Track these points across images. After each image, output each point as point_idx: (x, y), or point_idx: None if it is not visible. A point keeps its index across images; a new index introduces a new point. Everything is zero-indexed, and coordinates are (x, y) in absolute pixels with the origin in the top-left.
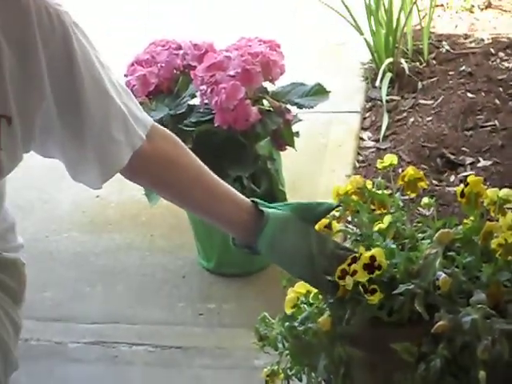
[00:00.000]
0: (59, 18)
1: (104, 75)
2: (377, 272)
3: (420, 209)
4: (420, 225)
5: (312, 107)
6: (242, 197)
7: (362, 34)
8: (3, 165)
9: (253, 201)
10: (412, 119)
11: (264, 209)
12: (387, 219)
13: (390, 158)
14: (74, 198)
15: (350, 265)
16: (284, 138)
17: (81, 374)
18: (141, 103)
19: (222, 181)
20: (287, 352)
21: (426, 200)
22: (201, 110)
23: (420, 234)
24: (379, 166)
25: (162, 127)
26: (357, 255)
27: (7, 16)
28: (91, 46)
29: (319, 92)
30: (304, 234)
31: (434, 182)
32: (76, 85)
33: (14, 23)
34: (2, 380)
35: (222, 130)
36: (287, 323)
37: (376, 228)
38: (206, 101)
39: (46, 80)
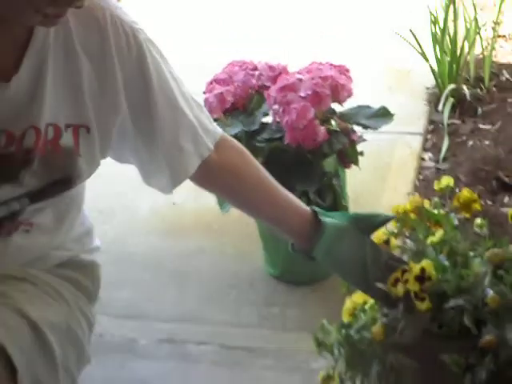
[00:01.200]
0: (135, 36)
1: (176, 90)
2: (427, 283)
3: (475, 228)
4: (473, 244)
5: (376, 128)
6: (303, 206)
7: (427, 60)
8: (82, 170)
9: (313, 210)
10: (471, 142)
11: (322, 218)
12: (439, 233)
13: (447, 180)
14: (152, 205)
15: (402, 274)
16: (349, 156)
17: (150, 369)
18: (217, 119)
19: (285, 190)
20: (343, 358)
21: (478, 221)
22: (273, 128)
23: (472, 253)
24: (436, 187)
25: (231, 138)
26: (407, 267)
27: (87, 34)
28: (164, 62)
29: (384, 114)
30: (359, 244)
31: (488, 202)
32: (150, 102)
33: (93, 42)
34: (75, 373)
35: (292, 147)
36: (344, 331)
37: (429, 241)
38: (278, 119)
39: (122, 97)
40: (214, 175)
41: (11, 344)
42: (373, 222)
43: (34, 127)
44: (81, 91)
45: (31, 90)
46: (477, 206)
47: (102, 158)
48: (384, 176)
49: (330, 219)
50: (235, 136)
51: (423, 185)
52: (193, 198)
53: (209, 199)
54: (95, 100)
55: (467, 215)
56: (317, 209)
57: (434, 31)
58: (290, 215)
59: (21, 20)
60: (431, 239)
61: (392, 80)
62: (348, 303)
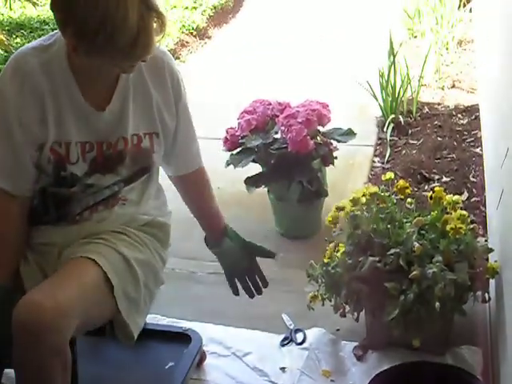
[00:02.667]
0: (178, 75)
1: (191, 118)
2: None
3: (406, 205)
4: (405, 214)
5: (345, 142)
6: (223, 221)
7: (376, 99)
8: (155, 161)
9: (226, 225)
10: (404, 151)
11: (230, 230)
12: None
13: (389, 175)
14: None
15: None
16: (328, 159)
17: (203, 290)
18: (245, 136)
19: (217, 209)
20: (323, 285)
21: (409, 200)
22: (281, 141)
23: (405, 220)
24: (383, 178)
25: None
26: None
27: (152, 74)
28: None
29: (350, 133)
30: (239, 256)
31: (415, 189)
32: (179, 121)
33: (156, 78)
34: (153, 290)
35: (293, 153)
36: (324, 268)
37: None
38: (284, 136)
39: (174, 112)
40: (187, 182)
41: (110, 270)
42: (255, 248)
43: (124, 137)
44: (152, 110)
45: (119, 114)
46: (408, 191)
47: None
48: (349, 172)
49: (234, 234)
50: (257, 146)
51: (374, 178)
52: (230, 185)
53: (240, 185)
54: (160, 115)
55: (402, 196)
56: (228, 226)
57: (381, 81)
58: (213, 220)
59: (108, 73)
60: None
61: (355, 111)
62: (328, 251)
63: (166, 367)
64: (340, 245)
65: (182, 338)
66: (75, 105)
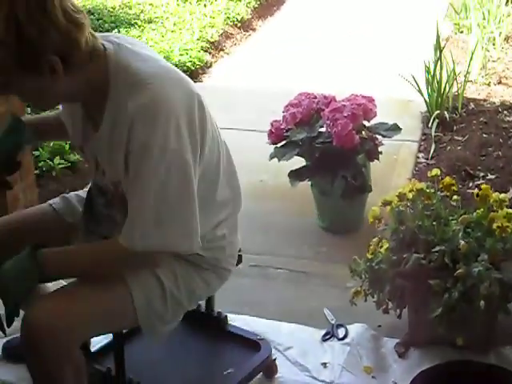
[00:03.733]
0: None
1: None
2: None
3: (452, 202)
4: (451, 211)
5: (390, 137)
6: None
7: (422, 95)
8: None
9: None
10: (449, 148)
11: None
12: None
13: (435, 171)
14: (248, 180)
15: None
16: (373, 154)
17: (245, 283)
18: (290, 129)
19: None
20: (367, 280)
21: (455, 197)
22: (325, 135)
23: (450, 217)
24: (429, 175)
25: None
26: None
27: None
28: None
29: (395, 128)
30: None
31: (459, 186)
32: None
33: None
34: (186, 305)
35: (337, 147)
36: (368, 263)
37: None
38: (329, 130)
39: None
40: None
41: (135, 284)
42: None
43: None
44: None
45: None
46: (454, 188)
47: None
48: (393, 167)
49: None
50: (301, 140)
51: (417, 174)
52: (273, 177)
53: (283, 178)
54: None
55: (447, 193)
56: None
57: (427, 76)
58: None
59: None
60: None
61: (400, 106)
62: (371, 246)
63: (225, 372)
64: (384, 240)
65: (252, 345)
66: None
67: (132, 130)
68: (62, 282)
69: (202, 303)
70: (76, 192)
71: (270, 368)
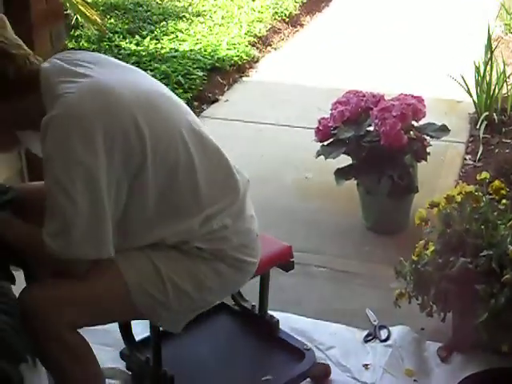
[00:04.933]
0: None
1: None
2: None
3: (500, 206)
4: (499, 215)
5: (438, 138)
6: None
7: (471, 96)
8: None
9: None
10: (497, 150)
11: None
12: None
13: (485, 174)
14: (293, 177)
15: None
16: (420, 154)
17: (287, 281)
18: (337, 127)
19: None
20: (412, 282)
21: (504, 201)
22: (373, 134)
23: (499, 221)
24: (478, 178)
25: None
26: None
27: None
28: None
29: (443, 129)
30: None
31: (507, 189)
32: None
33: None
34: (193, 295)
35: (385, 147)
36: (413, 265)
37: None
38: (377, 129)
39: None
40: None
41: (129, 271)
42: None
43: None
44: None
45: None
46: (503, 192)
47: None
48: (440, 168)
49: None
50: (348, 138)
51: (464, 176)
52: (318, 175)
53: (329, 176)
54: None
55: (496, 197)
56: None
57: (476, 77)
58: None
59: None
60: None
61: (448, 107)
62: (417, 248)
63: (263, 378)
64: (430, 243)
65: (296, 354)
66: None
67: (43, 142)
68: None
69: (256, 304)
70: None
71: (321, 375)
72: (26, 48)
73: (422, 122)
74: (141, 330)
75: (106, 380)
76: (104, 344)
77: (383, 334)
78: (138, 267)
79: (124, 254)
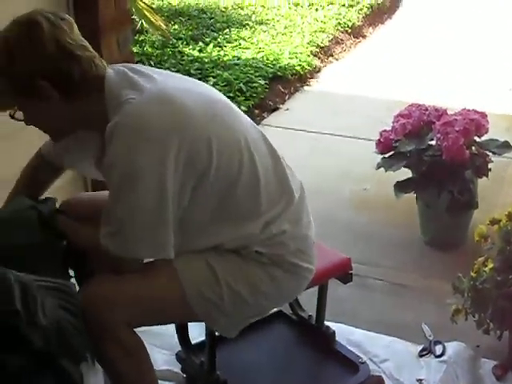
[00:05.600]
0: None
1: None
2: None
3: None
4: None
5: (500, 154)
6: None
7: None
8: None
9: None
10: None
11: None
12: None
13: None
14: (351, 189)
15: None
16: (482, 170)
17: (345, 292)
18: (399, 140)
19: None
20: (469, 299)
21: None
22: (435, 148)
23: None
24: None
25: None
26: None
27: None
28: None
29: (506, 146)
30: None
31: None
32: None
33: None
34: (247, 298)
35: (446, 161)
36: (472, 282)
37: None
38: (439, 143)
39: None
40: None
41: (185, 273)
42: None
43: None
44: None
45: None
46: None
47: None
48: (501, 185)
49: None
50: (410, 151)
51: None
52: (376, 187)
53: (387, 189)
54: None
55: None
56: None
57: None
58: None
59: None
60: None
61: (509, 123)
62: (476, 265)
63: None
64: (489, 260)
65: (351, 367)
66: None
67: (108, 147)
68: None
69: (313, 314)
70: None
71: None
72: (91, 50)
73: (485, 137)
74: (197, 333)
75: (161, 382)
76: (160, 346)
77: (438, 349)
78: (195, 269)
79: (181, 256)
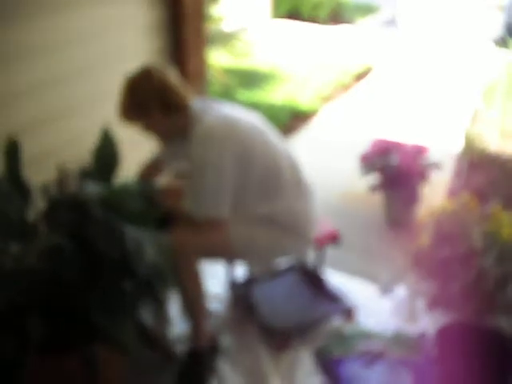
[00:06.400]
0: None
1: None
2: None
3: None
4: None
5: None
6: None
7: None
8: None
9: None
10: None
11: None
12: None
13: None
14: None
15: None
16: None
17: (332, 252)
18: (373, 157)
19: None
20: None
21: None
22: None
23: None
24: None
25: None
26: None
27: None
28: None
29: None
30: None
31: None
32: None
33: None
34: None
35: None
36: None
37: None
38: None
39: None
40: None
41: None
42: None
43: None
44: None
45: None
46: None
47: None
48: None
49: None
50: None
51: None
52: (354, 187)
53: (365, 189)
54: None
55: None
56: None
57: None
58: None
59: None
60: None
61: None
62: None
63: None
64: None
65: (335, 299)
66: None
67: (192, 148)
68: None
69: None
70: None
71: (349, 314)
72: (182, 87)
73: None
74: (240, 273)
75: (213, 300)
76: (215, 279)
77: (391, 290)
78: (238, 228)
79: (230, 220)
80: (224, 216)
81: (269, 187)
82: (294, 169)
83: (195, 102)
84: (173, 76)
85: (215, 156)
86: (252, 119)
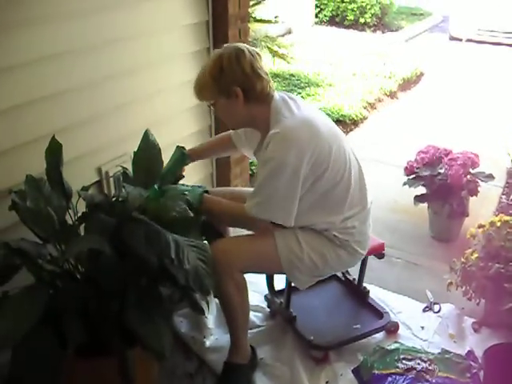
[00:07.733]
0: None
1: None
2: None
3: None
4: None
5: (486, 182)
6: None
7: (510, 155)
8: None
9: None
10: None
11: None
12: None
13: None
14: (388, 200)
15: None
16: (474, 191)
17: (376, 265)
18: (419, 167)
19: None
20: (460, 276)
21: None
22: (443, 174)
23: None
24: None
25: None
26: None
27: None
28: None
29: (490, 176)
30: None
31: None
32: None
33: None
34: (319, 265)
35: (450, 183)
36: (463, 265)
37: None
38: (446, 171)
39: None
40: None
41: (282, 246)
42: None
43: None
44: None
45: (264, 148)
46: None
47: None
48: (485, 202)
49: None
50: (425, 176)
51: (500, 209)
52: (402, 198)
53: (410, 200)
54: None
55: None
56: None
57: None
58: None
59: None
60: None
61: (494, 161)
62: (466, 254)
63: (354, 326)
64: (475, 251)
65: (378, 314)
66: None
67: (266, 148)
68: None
69: (356, 278)
70: None
71: (392, 330)
72: (269, 76)
73: (477, 170)
74: (280, 283)
75: (253, 313)
76: (255, 290)
77: (436, 307)
78: (288, 240)
79: (279, 230)
80: (291, 224)
81: (334, 199)
82: (361, 179)
83: (278, 96)
84: (263, 64)
85: (294, 159)
86: (328, 122)
